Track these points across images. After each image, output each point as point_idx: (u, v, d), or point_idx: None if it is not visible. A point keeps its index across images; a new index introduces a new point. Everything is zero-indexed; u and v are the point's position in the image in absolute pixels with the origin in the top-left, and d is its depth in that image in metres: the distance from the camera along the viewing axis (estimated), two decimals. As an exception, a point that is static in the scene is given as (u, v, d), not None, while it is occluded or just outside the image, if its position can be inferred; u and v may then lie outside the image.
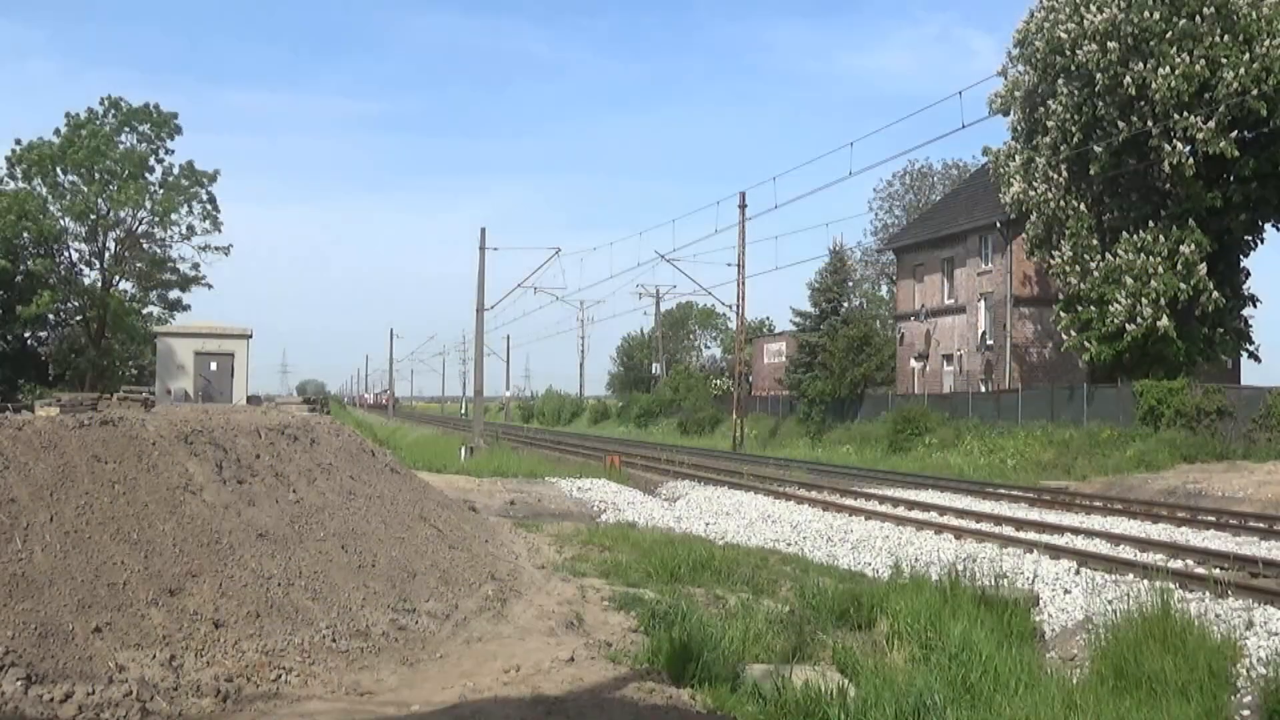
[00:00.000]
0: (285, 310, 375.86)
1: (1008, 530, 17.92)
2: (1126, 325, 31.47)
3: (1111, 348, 32.27)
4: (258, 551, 8.50)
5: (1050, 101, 33.17)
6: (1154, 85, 29.76)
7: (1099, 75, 31.05)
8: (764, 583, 12.44)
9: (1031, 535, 17.06)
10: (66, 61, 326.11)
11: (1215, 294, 31.35)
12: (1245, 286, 34.99)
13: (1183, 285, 30.88)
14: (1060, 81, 32.66)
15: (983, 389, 42.56)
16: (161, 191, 46.65)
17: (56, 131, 45.13)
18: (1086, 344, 33.05)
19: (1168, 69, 29.59)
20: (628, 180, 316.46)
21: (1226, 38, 29.74)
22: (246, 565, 8.22)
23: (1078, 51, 31.25)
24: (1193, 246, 30.77)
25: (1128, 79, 30.33)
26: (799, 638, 9.77)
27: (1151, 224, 31.91)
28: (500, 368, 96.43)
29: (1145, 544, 15.92)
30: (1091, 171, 32.72)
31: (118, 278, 47.48)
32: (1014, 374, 41.61)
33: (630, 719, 6.60)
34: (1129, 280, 31.37)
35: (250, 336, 36.84)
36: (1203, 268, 30.97)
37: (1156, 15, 29.98)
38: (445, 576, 10.03)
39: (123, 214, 46.03)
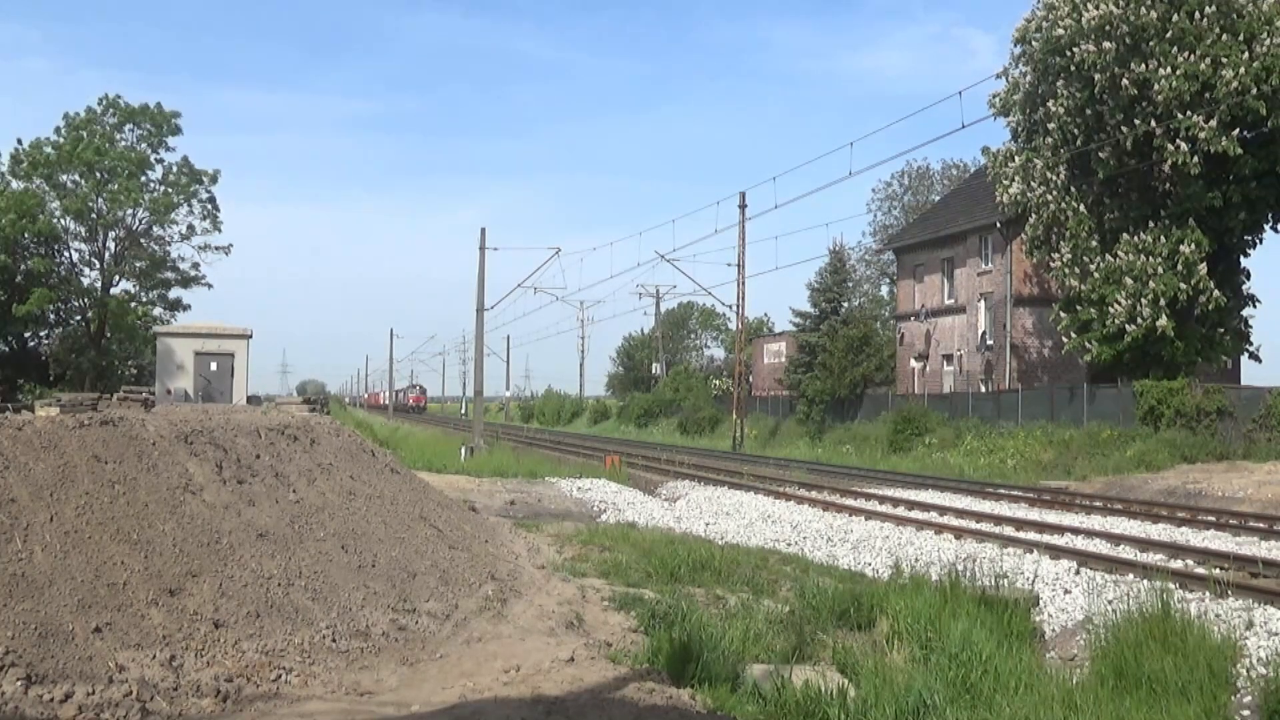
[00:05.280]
0: (285, 310, 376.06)
1: (1008, 530, 17.92)
2: (1126, 326, 31.47)
3: (1112, 348, 32.28)
4: (258, 551, 8.50)
5: (1051, 103, 33.18)
6: (1156, 86, 29.76)
7: (1098, 75, 31.05)
8: (764, 583, 12.43)
9: (1031, 535, 17.06)
10: (63, 60, 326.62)
11: (1215, 294, 31.35)
12: (1245, 286, 35.01)
13: (1183, 285, 30.88)
14: (1060, 83, 32.67)
15: (983, 389, 42.56)
16: (161, 190, 46.70)
17: (57, 130, 45.21)
18: (1087, 345, 33.07)
19: (1169, 69, 29.58)
20: (628, 180, 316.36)
21: (1226, 36, 29.75)
22: (246, 565, 8.21)
23: (1075, 50, 31.25)
24: (1193, 246, 30.77)
25: (1125, 80, 30.34)
26: (799, 638, 9.77)
27: (1151, 224, 31.91)
28: (500, 368, 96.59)
29: (1145, 544, 15.92)
30: (1097, 175, 32.74)
31: (118, 277, 47.51)
32: (1014, 374, 41.62)
33: (630, 719, 6.59)
34: (1129, 281, 31.37)
35: (250, 336, 36.83)
36: (1203, 268, 30.97)
37: (1154, 14, 29.98)
38: (445, 576, 10.02)
39: (122, 213, 46.08)
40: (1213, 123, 29.33)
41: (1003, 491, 24.46)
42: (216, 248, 49.02)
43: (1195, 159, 30.02)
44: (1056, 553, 15.10)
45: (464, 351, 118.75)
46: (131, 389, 22.93)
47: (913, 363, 49.21)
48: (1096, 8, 30.64)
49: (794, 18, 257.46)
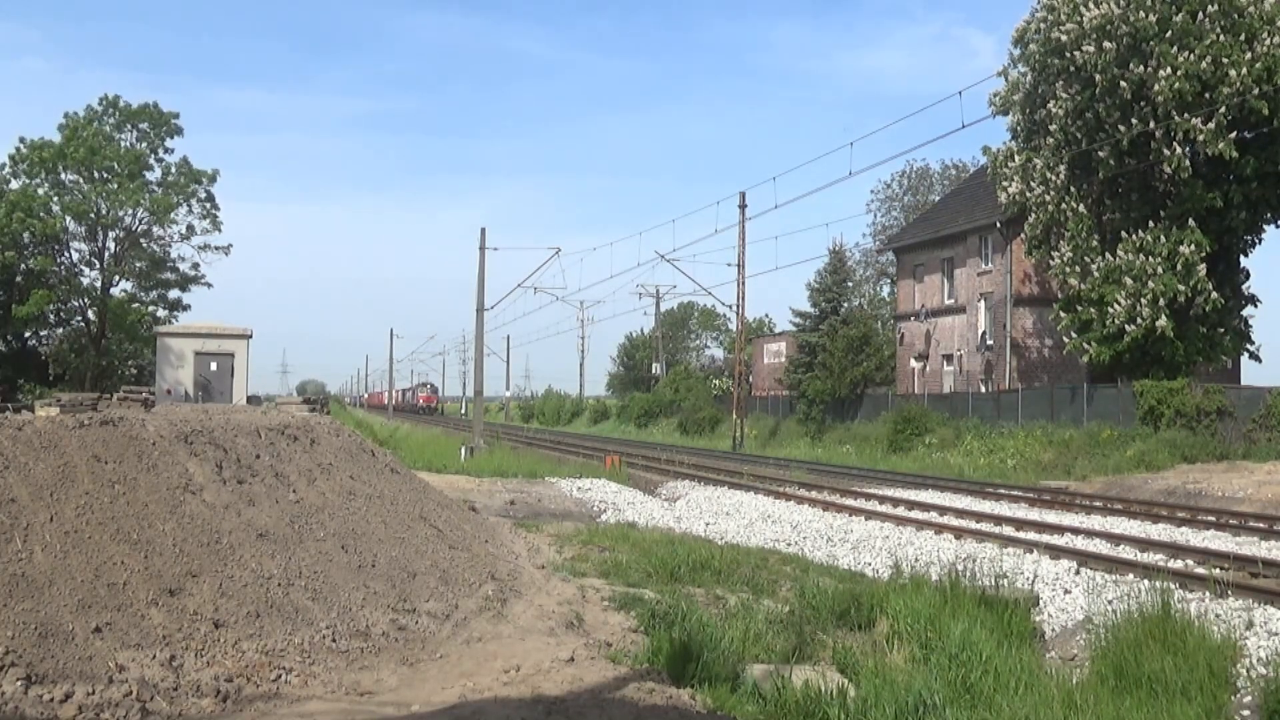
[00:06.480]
0: (285, 310, 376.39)
1: (1008, 530, 17.92)
2: (1126, 326, 31.47)
3: (1111, 349, 32.28)
4: (258, 551, 8.49)
5: (1051, 104, 33.19)
6: (1156, 86, 29.74)
7: (1098, 76, 31.04)
8: (764, 583, 12.43)
9: (1031, 535, 17.06)
10: (63, 60, 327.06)
11: (1214, 294, 31.35)
12: (1245, 286, 35.02)
13: (1182, 286, 30.88)
14: (1060, 84, 32.67)
15: (983, 389, 42.56)
16: (161, 190, 46.70)
17: (60, 128, 45.22)
18: (1087, 345, 33.07)
19: (1169, 69, 29.55)
20: (628, 180, 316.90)
21: (1226, 36, 29.71)
22: (246, 565, 8.21)
23: (1076, 52, 31.25)
24: (1192, 247, 30.77)
25: (1123, 82, 30.33)
26: (799, 638, 9.76)
27: (1151, 224, 31.91)
28: (500, 368, 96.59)
29: (1145, 544, 15.92)
30: (1097, 175, 32.74)
31: (118, 277, 47.53)
32: (1014, 374, 41.62)
33: (630, 719, 6.59)
34: (1129, 281, 31.37)
35: (250, 336, 36.85)
36: (1202, 268, 30.97)
37: (1153, 16, 29.96)
38: (445, 576, 10.02)
39: (122, 213, 46.10)
40: (1211, 125, 29.31)
41: (1003, 491, 24.45)
42: (216, 248, 49.14)
43: (1190, 162, 30.07)
44: (1056, 553, 15.10)
45: (464, 351, 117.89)
46: (131, 389, 22.93)
47: (913, 363, 49.20)
48: (1097, 6, 30.62)
49: (794, 17, 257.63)
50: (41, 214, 43.53)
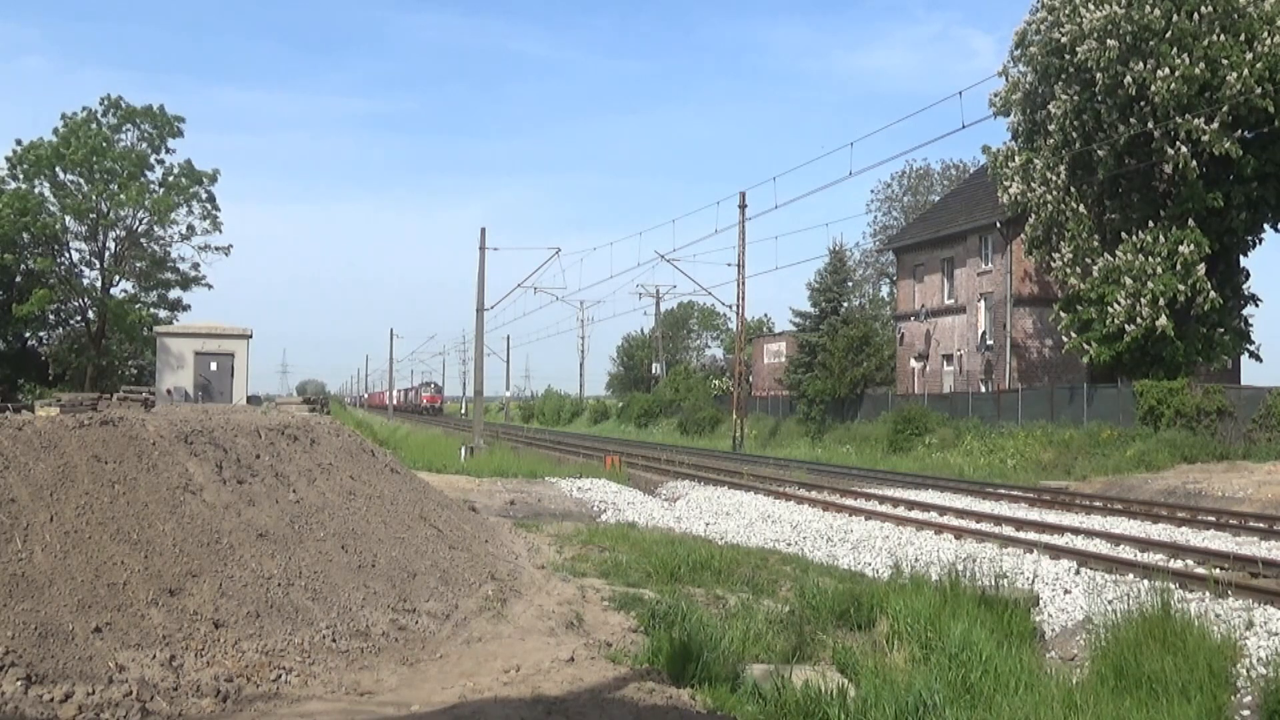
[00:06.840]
0: (285, 310, 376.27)
1: (1008, 530, 17.92)
2: (1126, 326, 31.48)
3: (1111, 348, 32.29)
4: (258, 551, 8.49)
5: (1050, 105, 33.20)
6: (1155, 87, 29.74)
7: (1099, 75, 31.05)
8: (764, 583, 12.43)
9: (1031, 535, 17.06)
10: (62, 60, 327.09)
11: (1214, 294, 31.36)
12: (1245, 286, 35.03)
13: (1182, 286, 30.89)
14: (1059, 85, 32.68)
15: (983, 389, 42.56)
16: (161, 191, 46.71)
17: (55, 131, 45.23)
18: (1086, 345, 33.09)
19: (1168, 70, 29.56)
20: (628, 180, 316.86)
21: (1225, 37, 29.71)
22: (246, 565, 8.21)
23: (1077, 51, 31.25)
24: (1192, 247, 30.77)
25: (1128, 79, 30.33)
26: (799, 638, 9.77)
27: (1151, 224, 31.92)
28: (500, 368, 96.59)
29: (1145, 544, 15.92)
30: (1097, 174, 32.75)
31: (118, 278, 47.54)
32: (1014, 374, 41.62)
33: (630, 719, 6.60)
34: (1129, 281, 31.38)
35: (250, 336, 36.84)
36: (1202, 268, 30.98)
37: (1156, 12, 29.96)
38: (445, 576, 10.02)
39: (123, 214, 46.11)
40: (1214, 124, 29.30)
41: (1003, 491, 24.45)
42: (216, 248, 49.16)
43: (1194, 162, 30.05)
44: (1056, 553, 15.10)
45: (464, 351, 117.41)
46: (131, 389, 22.95)
47: (913, 363, 49.20)
48: (1099, 8, 30.62)
49: (794, 17, 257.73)
50: (39, 214, 43.50)
